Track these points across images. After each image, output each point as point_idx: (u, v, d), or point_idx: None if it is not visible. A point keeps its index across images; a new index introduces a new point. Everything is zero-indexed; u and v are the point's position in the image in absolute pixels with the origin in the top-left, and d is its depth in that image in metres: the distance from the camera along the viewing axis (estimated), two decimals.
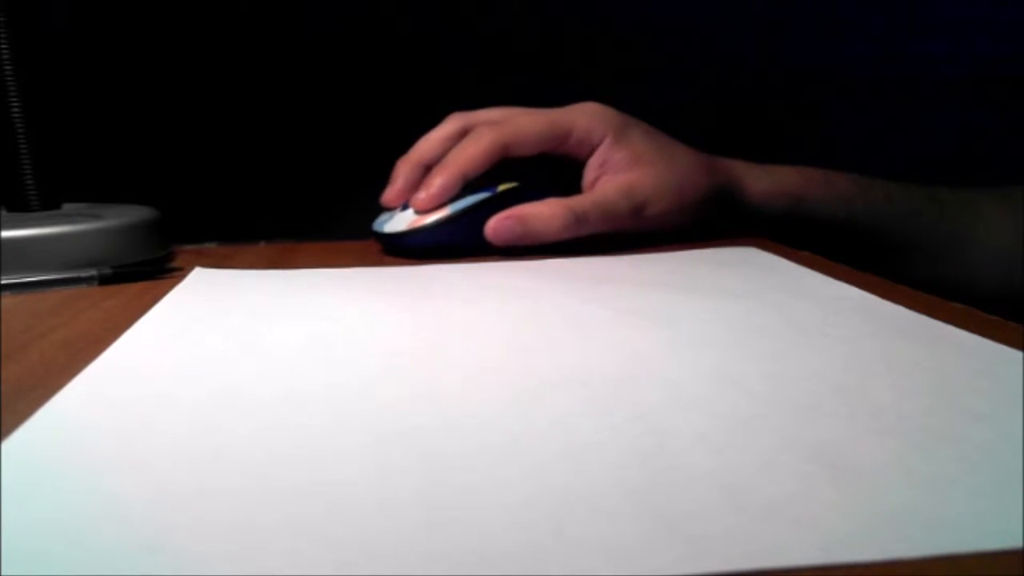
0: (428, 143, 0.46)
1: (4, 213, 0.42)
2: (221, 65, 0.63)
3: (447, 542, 0.14)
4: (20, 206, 0.42)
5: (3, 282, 0.35)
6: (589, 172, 0.46)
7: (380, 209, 0.45)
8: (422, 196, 0.42)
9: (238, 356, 0.25)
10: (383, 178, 0.45)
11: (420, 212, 0.43)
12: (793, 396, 0.21)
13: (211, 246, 0.48)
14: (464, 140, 0.44)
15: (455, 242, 0.42)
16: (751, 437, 0.19)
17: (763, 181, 0.48)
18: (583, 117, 0.45)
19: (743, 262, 0.39)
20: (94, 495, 0.16)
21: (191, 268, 0.38)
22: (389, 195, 0.44)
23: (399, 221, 0.43)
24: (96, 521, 0.15)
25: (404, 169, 0.45)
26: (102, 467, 0.17)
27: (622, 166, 0.45)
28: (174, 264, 0.40)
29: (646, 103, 0.48)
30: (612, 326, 0.28)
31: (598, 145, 0.45)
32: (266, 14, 0.63)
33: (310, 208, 0.47)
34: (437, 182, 0.42)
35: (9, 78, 0.40)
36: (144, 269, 0.39)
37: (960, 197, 0.51)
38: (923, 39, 0.69)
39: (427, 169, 0.44)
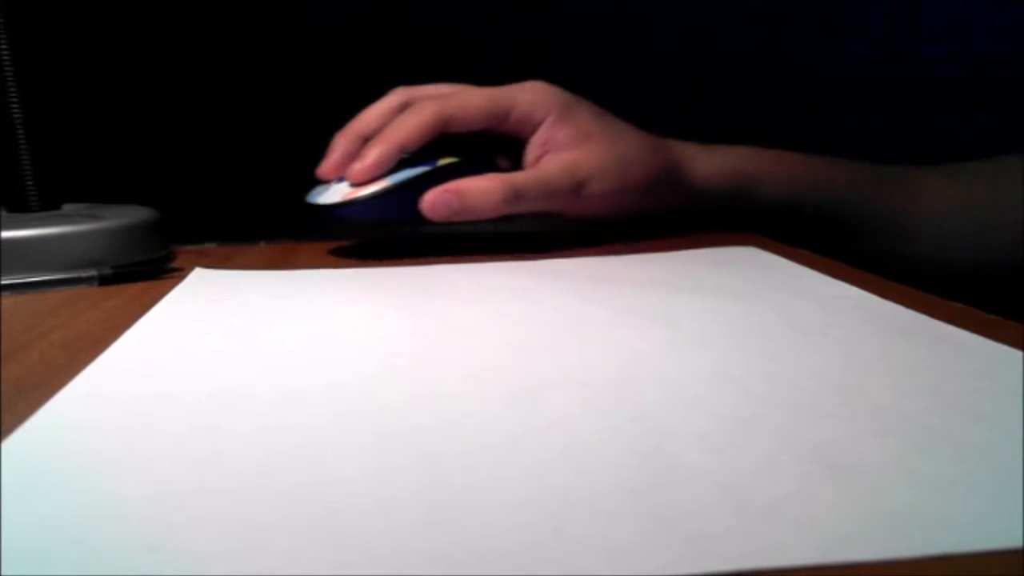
0: (368, 115, 0.45)
1: (4, 213, 0.42)
2: (221, 65, 0.63)
3: (447, 542, 0.14)
4: (20, 206, 0.42)
5: (3, 282, 0.35)
6: (531, 150, 0.45)
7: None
8: (357, 167, 0.41)
9: (238, 356, 0.25)
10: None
11: (356, 184, 0.41)
12: (793, 396, 0.21)
13: (211, 246, 0.48)
14: (403, 113, 0.43)
15: (391, 215, 0.41)
16: (751, 437, 0.19)
17: (709, 161, 0.47)
18: (526, 95, 0.44)
19: (743, 262, 0.39)
20: (94, 495, 0.16)
21: (191, 268, 0.38)
22: (325, 167, 0.43)
23: (334, 193, 0.42)
24: (96, 521, 0.15)
25: (342, 141, 0.43)
26: (102, 467, 0.18)
27: (566, 144, 0.44)
28: (174, 264, 0.40)
29: (645, 103, 0.47)
30: (612, 326, 0.28)
31: (540, 124, 0.44)
32: (265, 15, 0.63)
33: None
34: (373, 153, 0.41)
35: (9, 78, 0.40)
36: (144, 269, 0.39)
37: (909, 175, 0.51)
38: (923, 39, 0.69)
39: (366, 142, 0.43)
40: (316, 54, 0.64)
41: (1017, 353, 0.24)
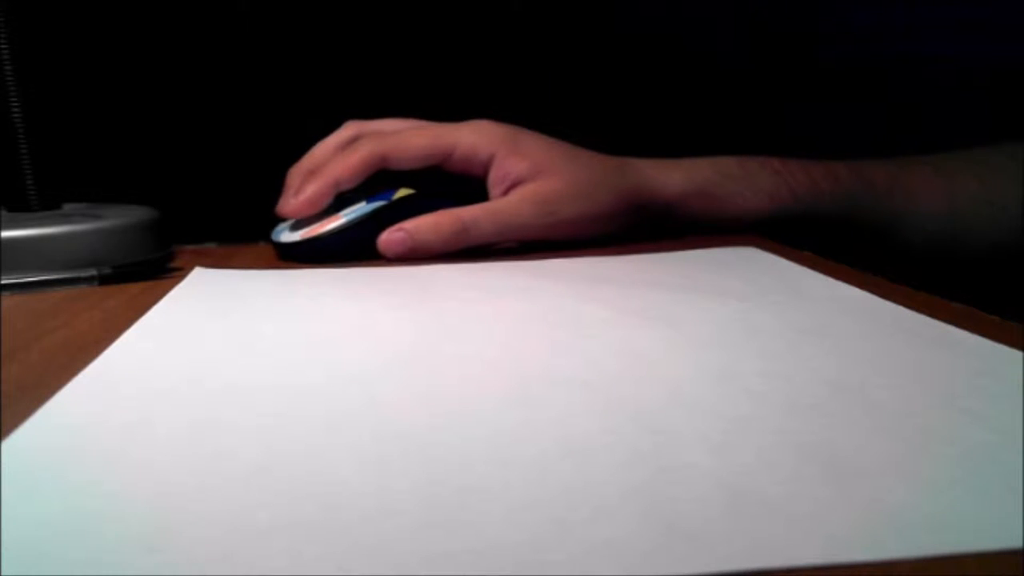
0: (319, 151, 0.45)
1: (4, 213, 0.42)
2: (221, 65, 0.63)
3: (447, 542, 0.14)
4: (20, 206, 0.42)
5: (3, 282, 0.35)
6: (493, 189, 0.44)
7: None
8: (292, 202, 0.42)
9: (238, 356, 0.25)
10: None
11: (315, 222, 0.42)
12: (793, 396, 0.21)
13: (211, 246, 0.48)
14: (345, 149, 0.43)
15: (351, 251, 0.42)
16: (751, 437, 0.19)
17: (676, 180, 0.47)
18: (470, 134, 0.44)
19: (743, 262, 0.39)
20: (94, 495, 0.16)
21: (191, 268, 0.38)
22: (281, 204, 0.43)
23: (295, 231, 0.43)
24: (96, 521, 0.15)
25: (295, 177, 0.44)
26: (102, 467, 0.17)
27: (525, 175, 0.44)
28: (174, 264, 0.40)
29: (644, 103, 0.47)
30: (612, 326, 0.28)
31: (487, 162, 0.44)
32: (266, 15, 0.63)
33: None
34: (309, 189, 0.42)
35: (9, 78, 0.40)
36: (144, 269, 0.39)
37: (891, 172, 0.49)
38: (923, 39, 0.69)
39: None
40: (314, 55, 0.64)
41: (1017, 353, 0.24)
